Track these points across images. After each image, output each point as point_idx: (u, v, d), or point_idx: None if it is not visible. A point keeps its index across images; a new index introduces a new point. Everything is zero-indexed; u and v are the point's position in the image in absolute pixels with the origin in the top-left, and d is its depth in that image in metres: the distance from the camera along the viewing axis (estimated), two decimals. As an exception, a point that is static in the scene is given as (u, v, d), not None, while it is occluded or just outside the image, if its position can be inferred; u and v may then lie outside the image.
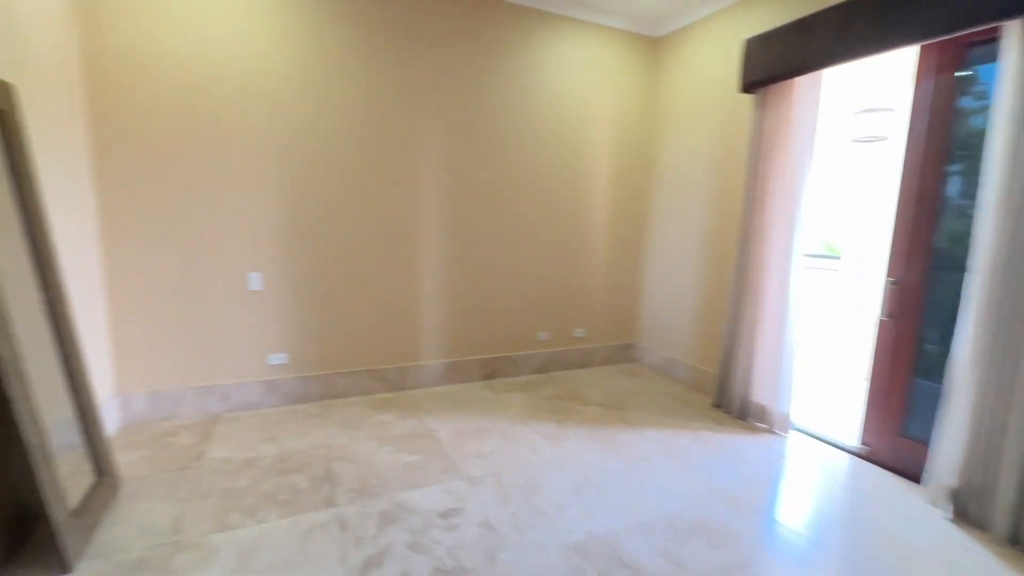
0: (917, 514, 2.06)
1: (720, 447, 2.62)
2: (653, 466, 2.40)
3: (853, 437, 2.65)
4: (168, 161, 2.55)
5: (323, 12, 2.76)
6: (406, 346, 3.27)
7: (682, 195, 3.60)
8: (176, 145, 2.55)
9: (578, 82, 3.51)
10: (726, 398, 3.11)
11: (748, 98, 2.96)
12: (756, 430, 2.85)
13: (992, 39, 2.02)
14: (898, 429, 2.45)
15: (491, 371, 3.56)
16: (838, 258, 4.47)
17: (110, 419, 2.47)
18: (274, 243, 2.83)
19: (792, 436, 2.79)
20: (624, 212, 3.88)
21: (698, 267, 3.48)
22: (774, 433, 2.81)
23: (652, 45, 3.74)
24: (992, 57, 2.04)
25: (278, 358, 2.93)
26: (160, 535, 1.77)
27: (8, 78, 1.72)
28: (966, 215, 2.17)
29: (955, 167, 2.26)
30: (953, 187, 2.27)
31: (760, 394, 2.91)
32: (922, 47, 2.27)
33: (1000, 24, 1.89)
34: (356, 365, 3.15)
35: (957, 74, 2.20)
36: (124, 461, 2.25)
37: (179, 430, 2.59)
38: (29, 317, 1.66)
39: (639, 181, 3.89)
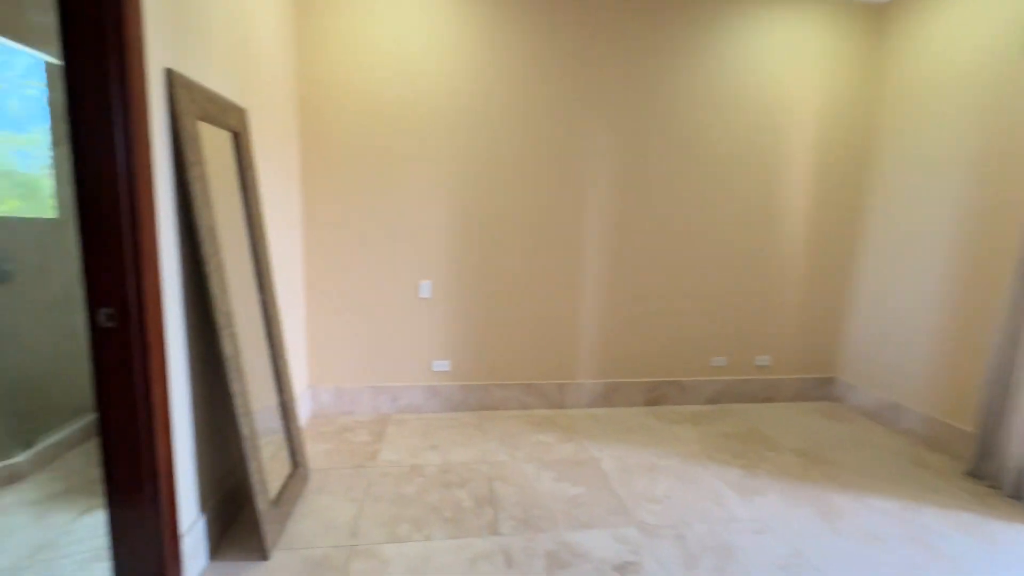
0: None
1: (991, 539, 1.92)
2: (890, 552, 1.83)
3: None
4: (356, 176, 2.74)
5: (497, 19, 2.73)
6: (564, 362, 3.09)
7: (919, 196, 2.82)
8: (363, 161, 2.73)
9: (774, 66, 2.98)
10: (991, 467, 2.31)
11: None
12: (1049, 521, 2.04)
13: None
14: None
15: (655, 396, 3.20)
16: None
17: (303, 409, 2.72)
18: (443, 252, 2.87)
19: (1118, 540, 1.93)
20: (829, 217, 3.20)
21: (940, 286, 2.68)
22: (1083, 530, 1.98)
23: (874, 14, 3.03)
24: None
25: (442, 365, 2.97)
26: (339, 535, 1.82)
27: (241, 103, 1.94)
28: None
29: None
30: None
31: (1056, 470, 2.09)
32: None
33: None
34: (514, 378, 3.06)
35: None
36: (312, 452, 2.43)
37: (356, 426, 2.75)
38: (248, 315, 1.84)
39: (850, 180, 3.18)
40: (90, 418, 2.51)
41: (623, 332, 3.12)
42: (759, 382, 3.30)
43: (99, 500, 1.99)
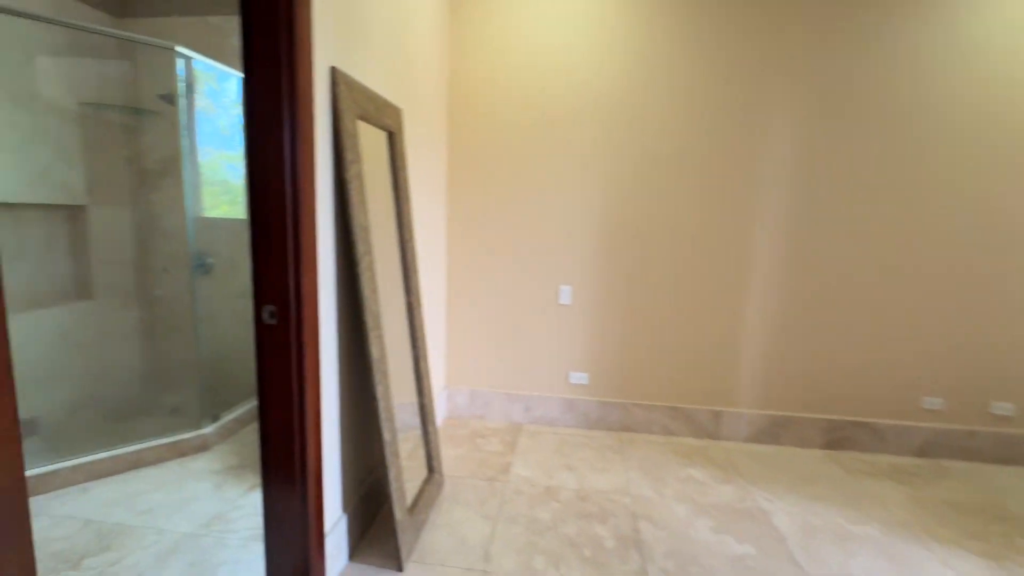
0: None
1: None
2: None
3: None
4: (499, 176, 2.65)
5: (660, 3, 2.43)
6: (720, 386, 2.66)
7: None
8: (507, 161, 2.63)
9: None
10: None
11: None
12: None
13: None
14: None
15: (838, 439, 2.60)
16: None
17: (439, 409, 2.71)
18: (587, 257, 2.66)
19: None
20: (1126, 221, 2.30)
21: None
22: None
23: None
24: None
25: (579, 377, 2.76)
26: (472, 556, 1.70)
27: (397, 103, 1.94)
28: None
29: None
30: None
31: None
32: None
33: None
34: (659, 399, 2.72)
35: None
36: (444, 455, 2.39)
37: (488, 433, 2.67)
38: (393, 316, 1.82)
39: None
40: (262, 398, 2.80)
41: (797, 354, 2.59)
42: (994, 436, 2.50)
43: (263, 479, 2.15)
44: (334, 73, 1.42)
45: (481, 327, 2.80)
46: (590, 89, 2.52)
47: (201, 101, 2.70)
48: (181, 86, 2.62)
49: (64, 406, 2.53)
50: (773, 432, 2.64)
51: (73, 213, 2.65)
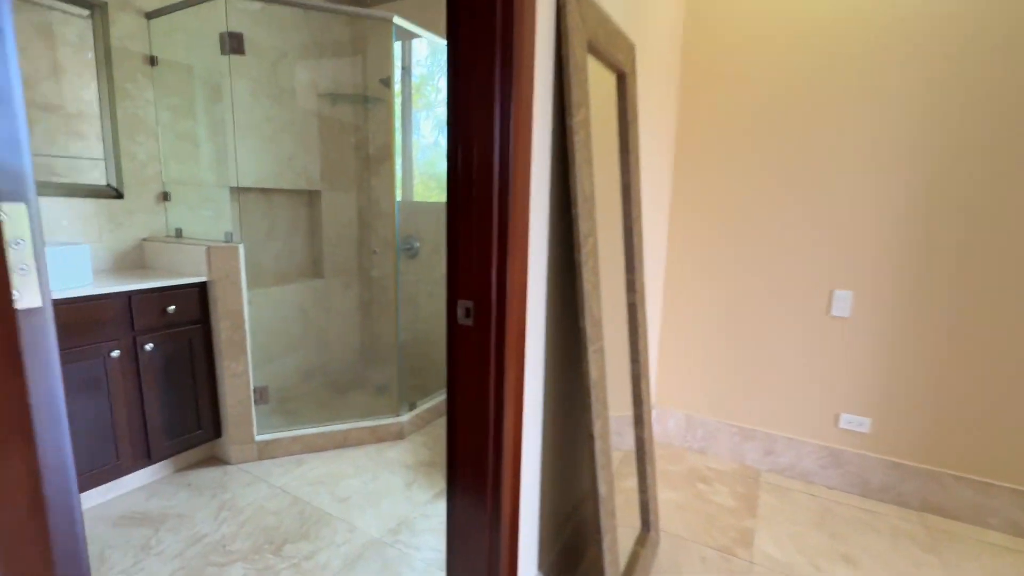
0: None
1: None
2: None
3: None
4: (745, 140, 1.97)
5: None
6: None
7: None
8: (758, 118, 1.93)
9: None
10: None
11: None
12: None
13: None
14: None
15: None
16: None
17: (646, 434, 2.20)
18: (879, 246, 1.81)
19: None
20: None
21: None
22: None
23: None
24: None
25: (855, 421, 1.93)
26: None
27: (630, 36, 1.46)
28: None
29: None
30: None
31: None
32: None
33: None
34: (1002, 476, 1.73)
35: None
36: (660, 498, 1.87)
37: (713, 476, 2.05)
38: (610, 321, 1.37)
39: None
40: (456, 388, 2.68)
41: None
42: None
43: (451, 485, 1.95)
44: (562, -23, 1.01)
45: (706, 336, 2.17)
46: (901, 10, 1.66)
47: (422, 84, 2.65)
48: (397, 69, 2.59)
49: (295, 375, 2.79)
50: None
51: (310, 198, 2.88)
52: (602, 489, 1.12)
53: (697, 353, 2.21)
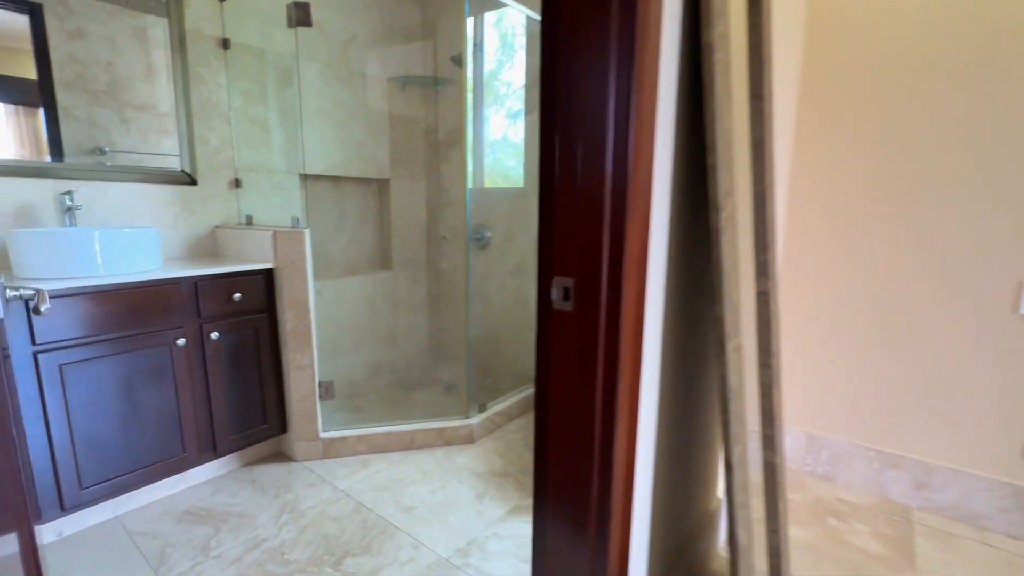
0: None
1: None
2: None
3: None
4: (885, 100, 1.57)
5: None
6: None
7: None
8: (903, 72, 1.53)
9: None
10: None
11: None
12: None
13: None
14: None
15: None
16: None
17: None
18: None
19: None
20: None
21: None
22: None
23: None
24: None
25: (1055, 454, 1.47)
26: None
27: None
28: None
29: None
30: None
31: None
32: None
33: None
34: None
35: None
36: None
37: (847, 513, 1.66)
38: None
39: None
40: (530, 391, 2.45)
41: None
42: None
43: (528, 501, 1.72)
44: None
45: (837, 336, 1.78)
46: None
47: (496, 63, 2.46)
48: (469, 45, 2.41)
49: (361, 371, 2.69)
50: None
51: (380, 187, 2.78)
52: (741, 537, 0.83)
53: (824, 357, 1.82)
